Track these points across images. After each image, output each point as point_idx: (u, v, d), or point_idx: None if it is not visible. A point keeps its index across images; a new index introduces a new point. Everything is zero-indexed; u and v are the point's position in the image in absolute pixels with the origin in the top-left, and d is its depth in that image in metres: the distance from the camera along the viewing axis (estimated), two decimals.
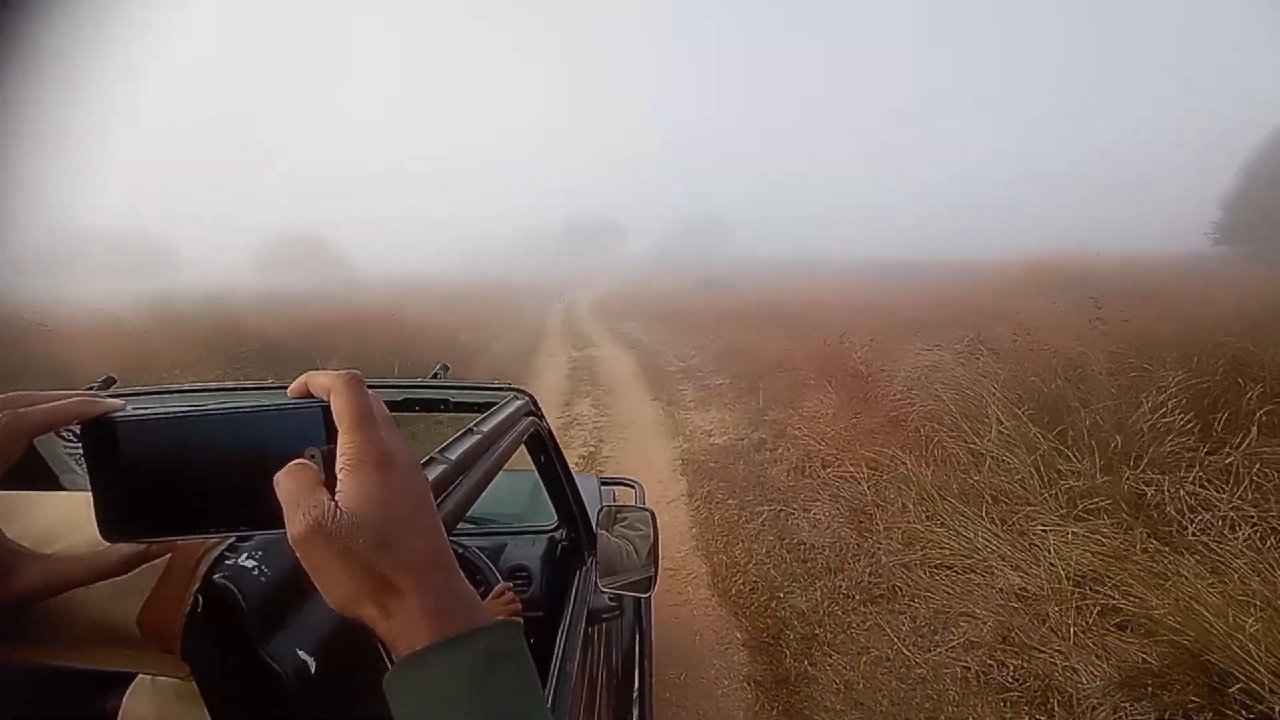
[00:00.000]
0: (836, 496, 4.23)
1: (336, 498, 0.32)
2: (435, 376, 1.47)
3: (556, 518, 1.62)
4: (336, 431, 0.34)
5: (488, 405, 1.12)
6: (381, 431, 0.34)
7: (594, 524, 1.36)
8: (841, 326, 12.56)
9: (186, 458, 0.35)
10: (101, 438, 0.35)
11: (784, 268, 41.37)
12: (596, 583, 1.26)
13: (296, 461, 0.33)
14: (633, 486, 2.16)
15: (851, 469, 4.50)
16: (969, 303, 16.01)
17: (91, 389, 1.09)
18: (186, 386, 1.31)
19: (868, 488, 4.17)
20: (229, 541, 0.39)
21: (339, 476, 0.32)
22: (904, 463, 4.26)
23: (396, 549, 0.31)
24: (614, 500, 1.96)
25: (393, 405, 1.13)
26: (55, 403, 0.35)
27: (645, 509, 1.47)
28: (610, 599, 1.31)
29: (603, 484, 1.99)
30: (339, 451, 0.33)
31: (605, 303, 26.05)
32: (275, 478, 0.33)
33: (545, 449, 1.33)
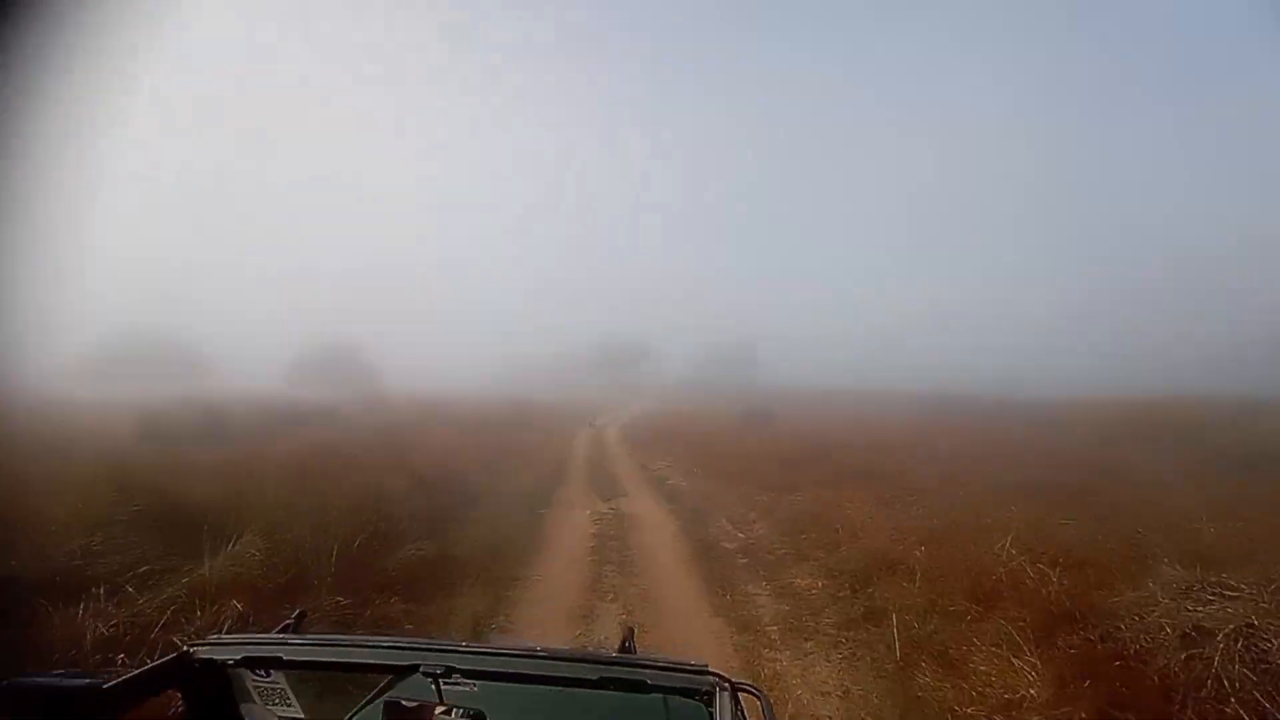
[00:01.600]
0: None
1: None
2: (625, 646, 1.79)
3: None
4: None
5: (689, 691, 1.18)
6: None
7: None
8: (926, 482, 10.34)
9: None
10: None
11: (819, 397, 39.19)
12: None
13: None
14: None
15: None
16: (1075, 456, 13.52)
17: (287, 626, 1.57)
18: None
19: None
20: None
21: None
22: None
23: None
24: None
25: (588, 684, 1.19)
26: None
27: None
28: None
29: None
30: None
31: (636, 430, 23.92)
32: None
33: None
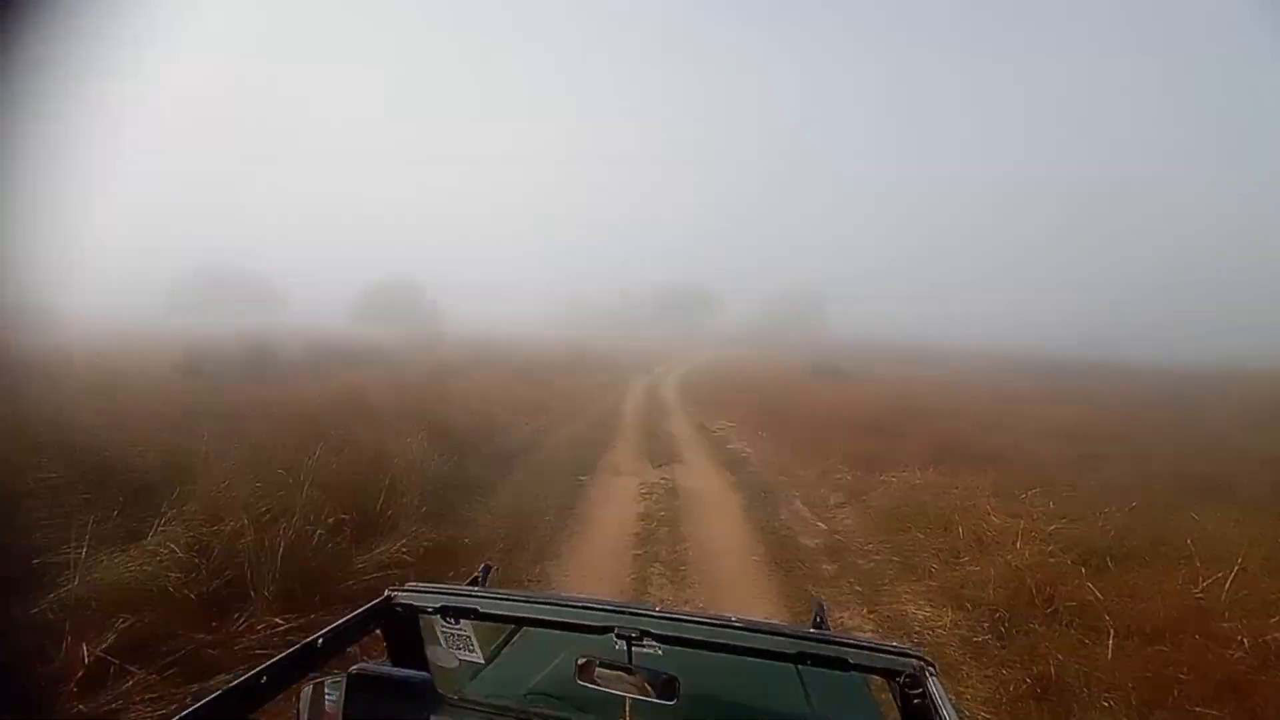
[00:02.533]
0: None
1: None
2: (817, 621, 1.88)
3: None
4: None
5: (891, 672, 1.13)
6: None
7: None
8: (1058, 469, 8.26)
9: None
10: None
11: (894, 353, 36.09)
12: None
13: None
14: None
15: None
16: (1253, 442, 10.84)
17: (476, 579, 1.83)
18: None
19: None
20: None
21: None
22: None
23: None
24: None
25: (783, 657, 1.19)
26: None
27: None
28: None
29: None
30: None
31: (696, 382, 22.38)
32: None
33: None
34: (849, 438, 9.82)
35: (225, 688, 0.98)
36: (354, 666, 1.15)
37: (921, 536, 5.74)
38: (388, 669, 1.22)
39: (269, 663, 1.08)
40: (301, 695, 1.12)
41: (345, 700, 1.10)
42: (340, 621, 1.26)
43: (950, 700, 1.07)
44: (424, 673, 1.28)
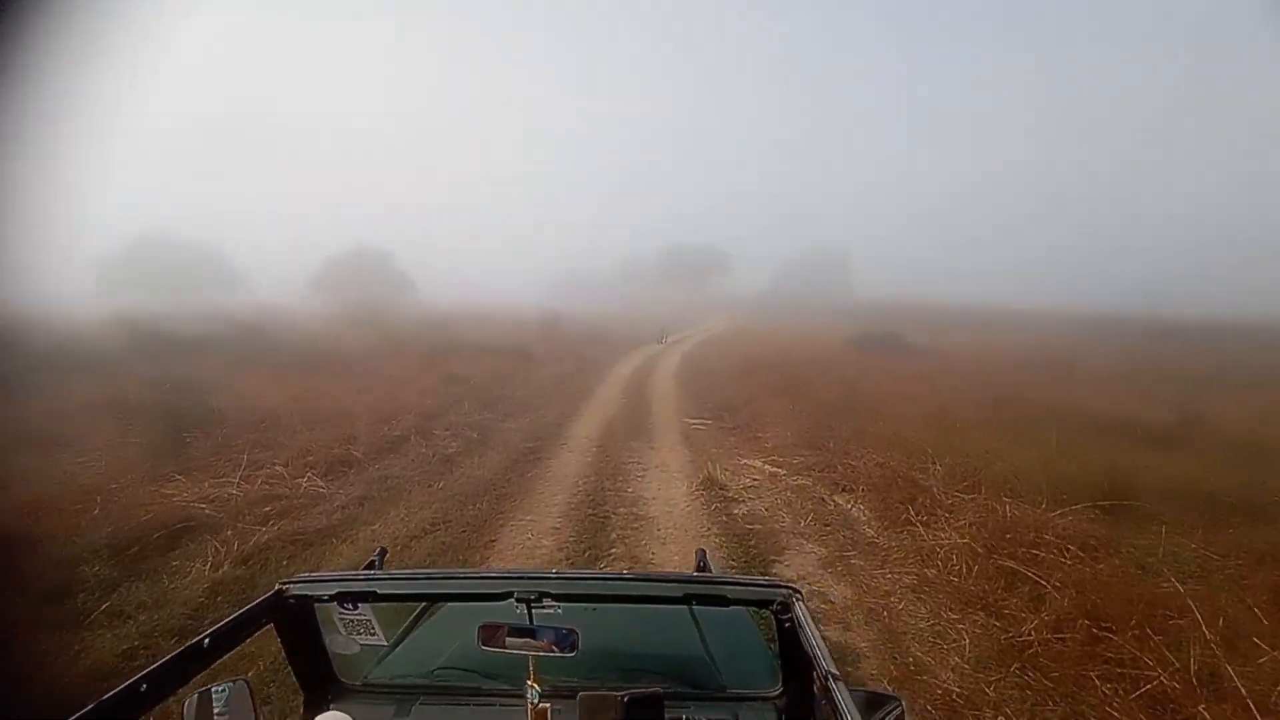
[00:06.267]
0: None
1: None
2: (701, 566, 1.99)
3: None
4: None
5: (765, 602, 1.24)
6: None
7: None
8: None
9: None
10: None
11: (946, 315, 29.61)
12: None
13: None
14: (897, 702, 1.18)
15: None
16: None
17: (372, 563, 1.76)
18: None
19: None
20: None
21: None
22: None
23: None
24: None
25: (672, 600, 1.26)
26: None
27: None
28: None
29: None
30: None
31: (703, 364, 16.61)
32: None
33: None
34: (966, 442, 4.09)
35: (98, 700, 0.88)
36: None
37: None
38: None
39: (149, 668, 0.98)
40: (186, 705, 1.02)
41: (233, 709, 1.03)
42: (228, 620, 1.16)
43: (813, 621, 1.18)
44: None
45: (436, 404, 8.94)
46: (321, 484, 5.37)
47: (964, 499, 4.68)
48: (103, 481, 4.95)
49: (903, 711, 1.04)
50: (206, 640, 1.07)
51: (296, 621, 1.31)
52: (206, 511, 4.49)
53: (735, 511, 5.15)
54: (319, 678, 1.37)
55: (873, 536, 4.53)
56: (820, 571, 4.06)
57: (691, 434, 8.06)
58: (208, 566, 3.68)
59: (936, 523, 4.39)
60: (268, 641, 1.48)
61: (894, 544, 4.31)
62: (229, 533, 4.10)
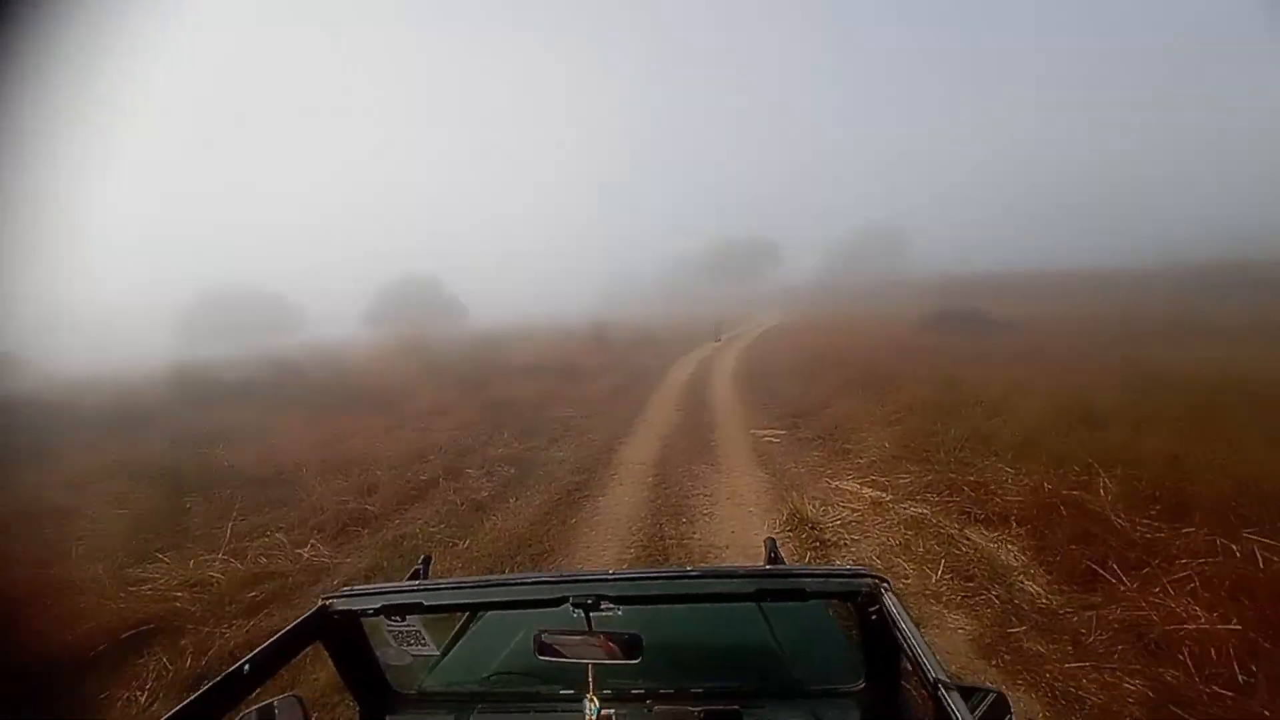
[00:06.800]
0: None
1: None
2: (772, 557, 1.76)
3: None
4: None
5: (848, 594, 1.16)
6: None
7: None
8: None
9: None
10: None
11: (1022, 283, 26.69)
12: None
13: None
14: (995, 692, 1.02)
15: None
16: None
17: (417, 572, 1.69)
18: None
19: None
20: None
21: None
22: None
23: None
24: None
25: (743, 597, 1.17)
26: None
27: None
28: None
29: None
30: None
31: (763, 355, 15.26)
32: None
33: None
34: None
35: None
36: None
37: None
38: None
39: (187, 700, 0.95)
40: None
41: None
42: (270, 641, 1.10)
43: (906, 612, 1.10)
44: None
45: (473, 436, 8.07)
46: (327, 552, 4.50)
47: (1170, 535, 3.30)
48: (80, 565, 4.25)
49: (1004, 700, 0.90)
50: (247, 666, 1.03)
51: (344, 637, 1.26)
52: (179, 603, 3.67)
53: (837, 561, 3.93)
54: (373, 690, 1.33)
55: (1043, 598, 3.21)
56: (979, 661, 2.80)
57: (764, 449, 6.83)
58: (144, 694, 2.80)
59: (1145, 577, 3.04)
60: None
61: (1083, 614, 2.99)
62: (185, 641, 3.23)
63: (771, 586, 1.15)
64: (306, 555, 4.41)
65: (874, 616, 1.12)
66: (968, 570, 3.59)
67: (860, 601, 1.14)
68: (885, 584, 1.15)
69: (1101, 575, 3.17)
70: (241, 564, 4.16)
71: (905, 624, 1.05)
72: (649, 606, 1.18)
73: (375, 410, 10.04)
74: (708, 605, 1.29)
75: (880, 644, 1.13)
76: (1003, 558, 3.70)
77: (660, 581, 1.19)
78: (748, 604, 1.18)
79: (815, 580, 1.17)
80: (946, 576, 3.56)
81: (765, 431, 7.60)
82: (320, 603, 1.24)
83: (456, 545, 4.67)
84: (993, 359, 10.50)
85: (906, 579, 3.60)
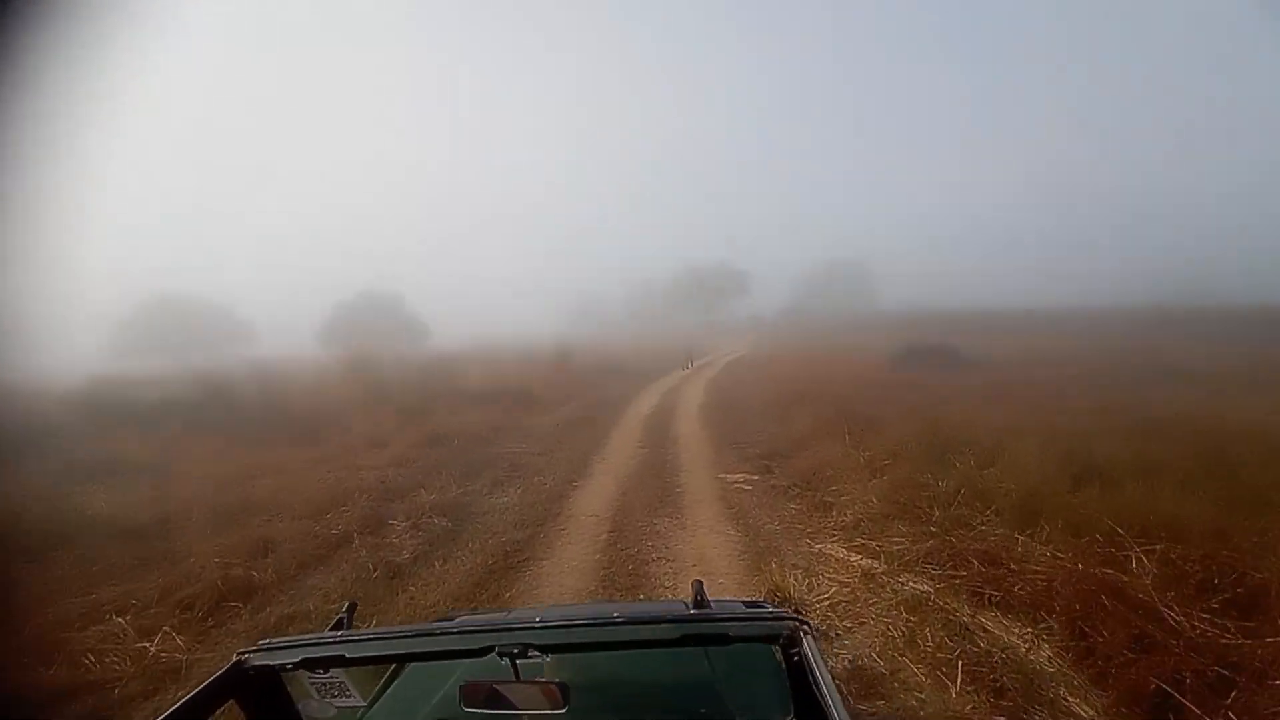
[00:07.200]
0: None
1: None
2: (699, 600, 1.50)
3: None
4: None
5: (771, 637, 1.16)
6: None
7: None
8: None
9: None
10: None
11: (966, 320, 26.89)
12: None
13: None
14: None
15: None
16: None
17: (340, 621, 1.43)
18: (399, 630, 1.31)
19: None
20: None
21: None
22: None
23: None
24: None
25: (668, 642, 1.15)
26: None
27: None
28: None
29: None
30: None
31: (733, 386, 14.63)
32: None
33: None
34: None
35: None
36: None
37: None
38: None
39: None
40: None
41: None
42: (179, 703, 1.02)
43: (822, 657, 1.12)
44: None
45: (407, 476, 7.09)
46: (182, 643, 3.50)
47: (1249, 640, 2.63)
48: None
49: None
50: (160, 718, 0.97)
51: (262, 693, 1.19)
52: None
53: (828, 661, 3.16)
54: None
55: None
56: None
57: (734, 498, 6.06)
58: None
59: (1236, 703, 2.35)
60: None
61: None
62: None
63: (695, 631, 1.15)
64: (153, 650, 3.41)
65: (795, 658, 1.13)
66: (994, 678, 2.85)
67: (782, 644, 1.14)
68: (806, 626, 1.17)
69: (1173, 698, 2.46)
70: (49, 669, 3.13)
71: (819, 671, 1.06)
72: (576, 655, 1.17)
73: (300, 441, 8.93)
74: (638, 652, 1.25)
75: (802, 685, 1.12)
76: (1035, 661, 2.98)
77: (587, 629, 1.17)
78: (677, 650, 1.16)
79: (739, 625, 1.18)
80: (969, 689, 2.81)
81: (736, 476, 6.84)
82: (236, 657, 1.17)
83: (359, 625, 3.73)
84: (969, 396, 10.06)
85: (920, 692, 2.84)
